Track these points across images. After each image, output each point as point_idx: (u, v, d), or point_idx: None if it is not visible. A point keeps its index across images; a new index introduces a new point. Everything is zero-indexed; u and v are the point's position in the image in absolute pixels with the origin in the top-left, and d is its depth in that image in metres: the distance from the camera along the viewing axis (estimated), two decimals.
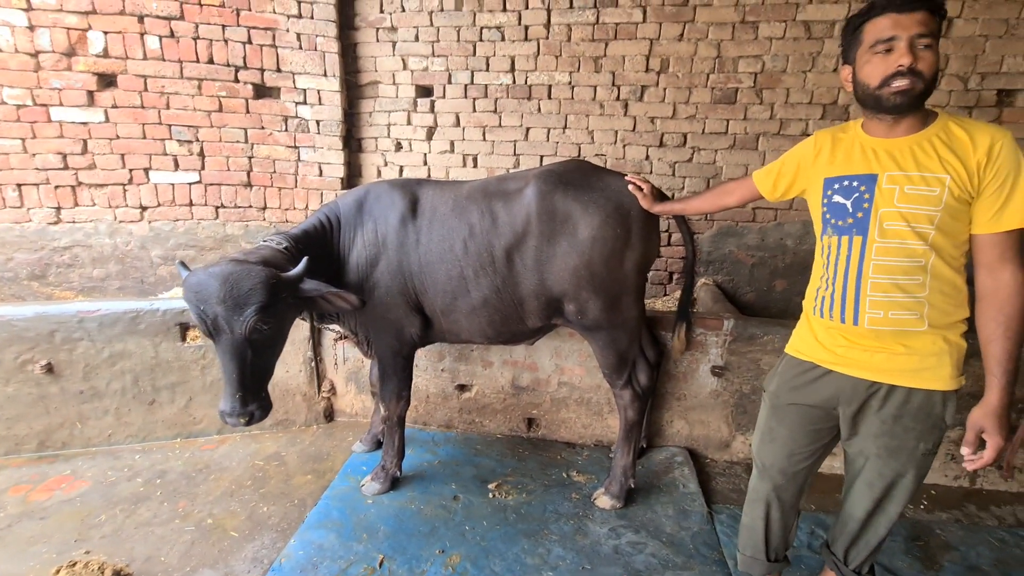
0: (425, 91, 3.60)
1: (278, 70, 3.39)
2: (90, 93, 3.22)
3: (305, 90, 3.43)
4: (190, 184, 3.45)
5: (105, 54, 3.18)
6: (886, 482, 1.49)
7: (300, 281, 1.84)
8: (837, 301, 1.42)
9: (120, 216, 3.43)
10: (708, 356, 2.68)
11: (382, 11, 3.47)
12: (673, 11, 3.27)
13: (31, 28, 3.08)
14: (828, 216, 1.44)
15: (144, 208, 3.45)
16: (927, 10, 1.26)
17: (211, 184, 3.48)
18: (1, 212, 3.29)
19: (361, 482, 2.43)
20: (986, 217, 1.28)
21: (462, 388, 2.94)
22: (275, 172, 3.54)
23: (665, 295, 3.65)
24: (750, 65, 3.28)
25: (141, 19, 3.16)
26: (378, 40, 3.52)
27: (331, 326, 2.42)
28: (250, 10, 3.27)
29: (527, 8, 3.37)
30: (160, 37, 3.20)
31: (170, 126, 3.35)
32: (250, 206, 3.56)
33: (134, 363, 2.69)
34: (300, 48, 3.36)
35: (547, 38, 3.41)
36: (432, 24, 3.46)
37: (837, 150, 1.46)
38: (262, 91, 3.42)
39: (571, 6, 3.34)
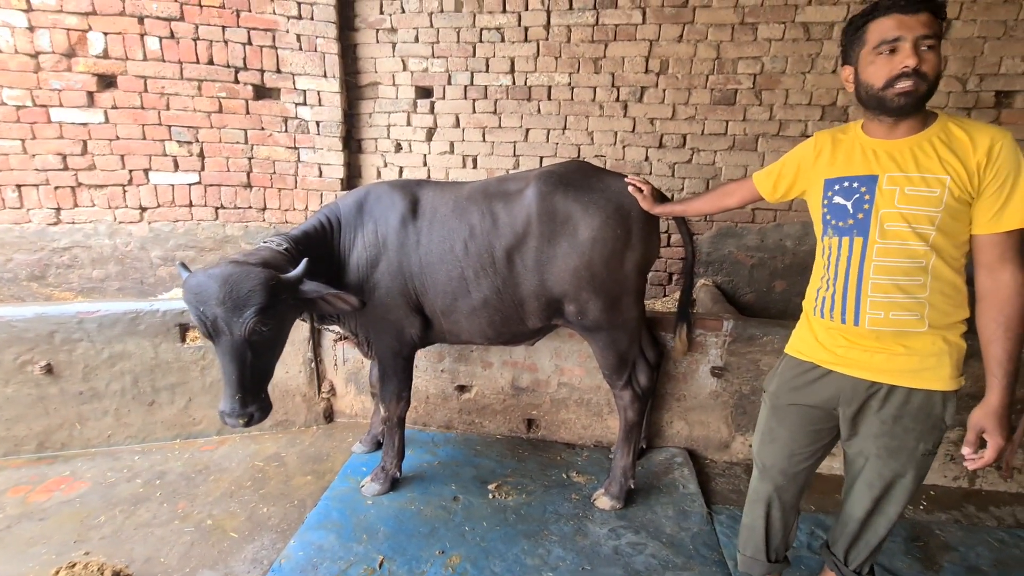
0: (425, 92, 3.60)
1: (278, 71, 3.39)
2: (90, 94, 3.22)
3: (305, 91, 3.43)
4: (190, 185, 3.45)
5: (105, 55, 3.18)
6: (886, 482, 1.49)
7: (300, 282, 1.84)
8: (838, 302, 1.42)
9: (120, 217, 3.43)
10: (708, 357, 2.68)
11: (382, 12, 3.48)
12: (672, 12, 3.28)
13: (31, 29, 3.08)
14: (829, 217, 1.45)
15: (144, 209, 3.45)
16: (930, 11, 1.26)
17: (211, 185, 3.48)
18: (1, 213, 3.29)
19: (361, 483, 2.43)
20: (986, 217, 1.29)
21: (462, 389, 2.94)
22: (275, 173, 3.54)
23: (665, 296, 3.65)
24: (749, 66, 3.29)
25: (141, 20, 3.17)
26: (378, 41, 3.53)
27: (331, 327, 2.42)
28: (250, 11, 3.27)
29: (527, 9, 3.38)
30: (160, 38, 3.21)
31: (170, 127, 3.35)
32: (250, 207, 3.56)
33: (134, 364, 2.69)
34: (300, 49, 3.36)
35: (547, 39, 3.41)
36: (432, 25, 3.47)
37: (837, 151, 1.46)
38: (262, 92, 3.42)
39: (571, 7, 3.34)
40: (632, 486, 2.37)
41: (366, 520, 2.22)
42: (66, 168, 3.30)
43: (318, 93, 3.44)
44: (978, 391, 1.37)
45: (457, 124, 3.61)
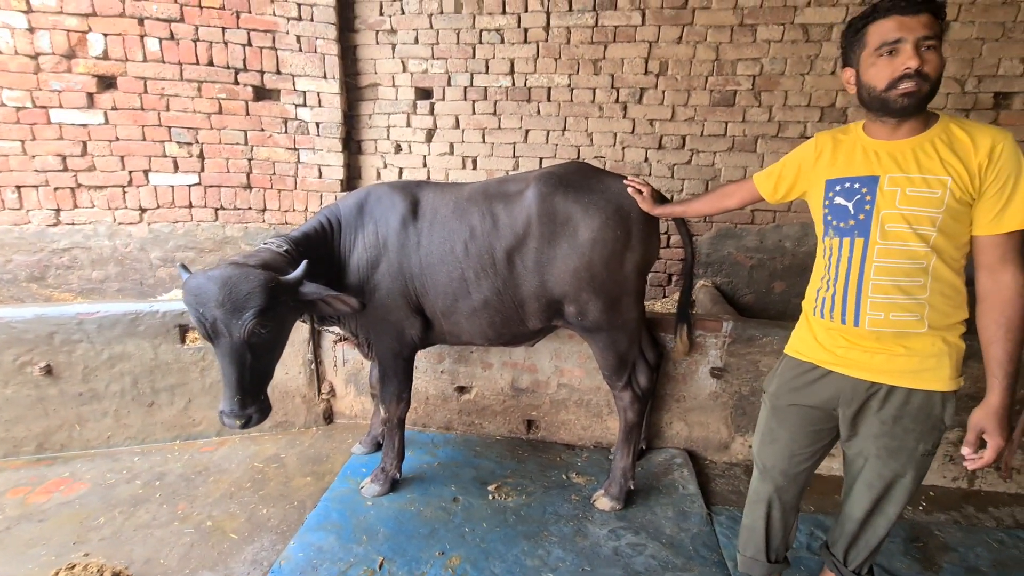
0: (425, 93, 3.61)
1: (278, 72, 3.39)
2: (90, 95, 3.22)
3: (305, 92, 3.44)
4: (190, 186, 3.45)
5: (105, 56, 3.18)
6: (885, 483, 1.49)
7: (299, 284, 1.84)
8: (838, 302, 1.43)
9: (119, 218, 3.43)
10: (707, 358, 2.68)
11: (382, 13, 3.48)
12: (672, 14, 3.28)
13: (31, 30, 3.08)
14: (829, 218, 1.45)
15: (143, 210, 3.45)
16: (930, 12, 1.26)
17: (211, 186, 3.48)
18: (0, 214, 3.29)
19: (361, 484, 2.43)
20: (987, 219, 1.29)
21: (462, 390, 2.94)
22: (275, 174, 3.54)
23: (664, 297, 3.66)
24: (748, 68, 3.30)
25: (141, 21, 3.17)
26: (378, 42, 3.53)
27: (331, 328, 2.42)
28: (250, 12, 3.27)
29: (526, 11, 3.39)
30: (160, 39, 3.21)
31: (170, 128, 3.35)
32: (249, 208, 3.56)
33: (133, 365, 2.69)
34: (300, 50, 3.37)
35: (546, 41, 3.42)
36: (432, 26, 3.47)
37: (838, 152, 1.46)
38: (262, 93, 3.43)
39: (570, 9, 3.35)
40: (632, 487, 2.37)
41: (366, 521, 2.22)
42: (66, 169, 3.30)
43: (318, 94, 3.44)
44: (977, 392, 1.37)
45: (457, 125, 3.61)
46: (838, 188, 1.42)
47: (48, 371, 2.58)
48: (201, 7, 3.21)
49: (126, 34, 3.17)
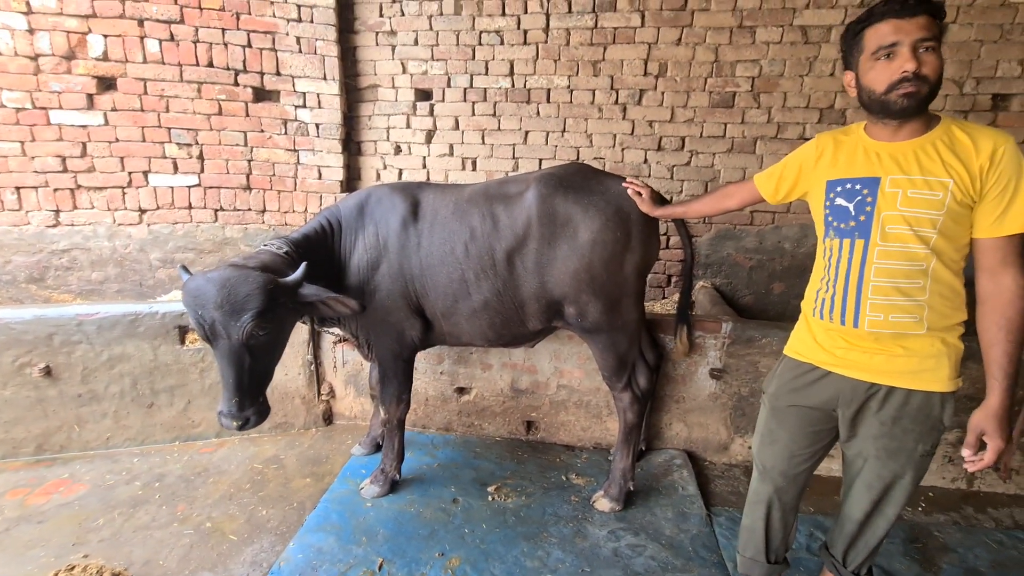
0: (424, 95, 3.61)
1: (278, 73, 3.40)
2: (89, 96, 3.22)
3: (305, 93, 3.44)
4: (189, 187, 3.46)
5: (105, 57, 3.18)
6: (884, 483, 1.49)
7: (299, 286, 1.84)
8: (838, 303, 1.43)
9: (119, 219, 3.43)
10: (707, 359, 2.68)
11: (381, 15, 3.49)
12: (671, 16, 3.29)
13: (31, 31, 3.09)
14: (830, 219, 1.45)
15: (143, 211, 3.45)
16: (928, 14, 1.26)
17: (210, 187, 3.48)
18: (0, 215, 3.29)
19: (360, 485, 2.43)
20: (988, 221, 1.29)
21: (461, 391, 2.94)
22: (274, 175, 3.54)
23: (664, 298, 3.66)
24: (747, 69, 3.31)
25: (141, 23, 3.17)
26: (377, 44, 3.54)
27: (331, 329, 2.42)
28: (250, 14, 3.28)
29: (526, 12, 3.39)
30: (160, 40, 3.21)
31: (169, 129, 3.35)
32: (249, 209, 3.56)
33: (133, 366, 2.69)
34: (300, 52, 3.37)
35: (546, 42, 3.43)
36: (431, 28, 3.48)
37: (839, 153, 1.46)
38: (262, 94, 3.43)
39: (570, 10, 3.36)
40: (631, 488, 2.37)
41: (365, 522, 2.22)
42: (65, 170, 3.30)
43: (318, 95, 3.45)
44: (976, 393, 1.37)
45: (456, 126, 3.62)
46: (839, 189, 1.42)
47: (47, 372, 2.57)
48: (201, 8, 3.21)
49: (126, 35, 3.17)
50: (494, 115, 3.56)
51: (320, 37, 3.37)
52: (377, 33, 3.52)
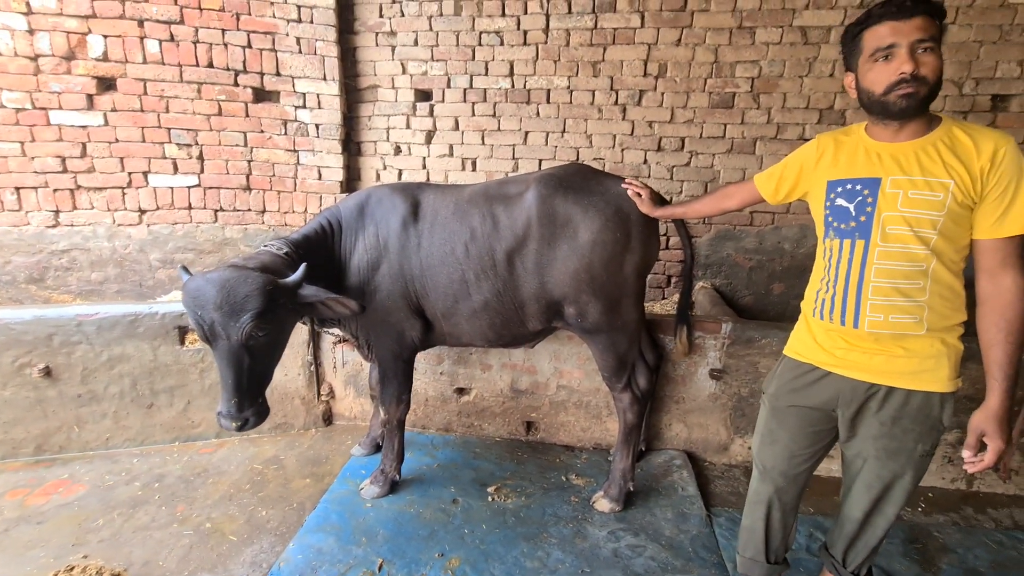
0: (424, 95, 3.61)
1: (278, 74, 3.40)
2: (89, 96, 3.22)
3: (304, 94, 3.44)
4: (189, 187, 3.46)
5: (105, 58, 3.18)
6: (884, 483, 1.49)
7: (299, 287, 1.84)
8: (838, 304, 1.43)
9: (119, 219, 3.43)
10: (706, 359, 2.68)
11: (381, 16, 3.49)
12: (671, 16, 3.29)
13: (31, 32, 3.09)
14: (831, 219, 1.45)
15: (143, 211, 3.45)
16: (925, 14, 1.27)
17: (210, 187, 3.48)
18: None
19: (360, 486, 2.43)
20: (988, 223, 1.29)
21: (461, 391, 2.94)
22: (274, 176, 3.54)
23: (664, 298, 3.66)
24: (747, 70, 3.31)
25: (141, 23, 3.17)
26: (377, 44, 3.54)
27: (331, 330, 2.42)
28: (250, 14, 3.28)
29: (526, 13, 3.40)
30: (160, 41, 3.22)
31: (169, 129, 3.36)
32: (249, 209, 3.56)
33: (132, 366, 2.68)
34: (300, 52, 3.37)
35: (546, 43, 3.43)
36: (431, 29, 3.48)
37: (840, 153, 1.46)
38: (261, 95, 3.43)
39: (569, 11, 3.36)
40: (631, 488, 2.37)
41: (365, 523, 2.22)
42: (65, 170, 3.30)
43: (317, 96, 3.45)
44: (976, 393, 1.37)
45: (456, 127, 3.62)
46: (840, 189, 1.42)
47: (47, 373, 2.57)
48: (201, 9, 3.21)
49: (126, 36, 3.17)
50: (494, 116, 3.57)
51: (320, 38, 3.37)
52: (377, 34, 3.52)
